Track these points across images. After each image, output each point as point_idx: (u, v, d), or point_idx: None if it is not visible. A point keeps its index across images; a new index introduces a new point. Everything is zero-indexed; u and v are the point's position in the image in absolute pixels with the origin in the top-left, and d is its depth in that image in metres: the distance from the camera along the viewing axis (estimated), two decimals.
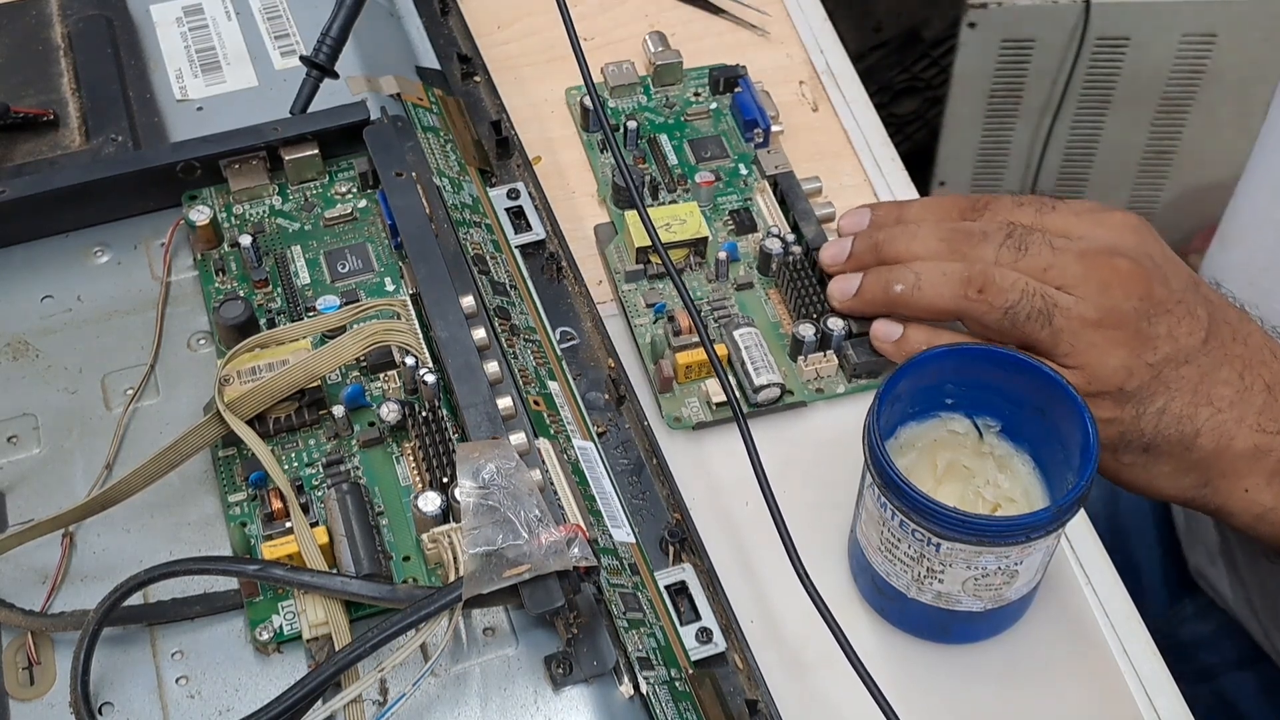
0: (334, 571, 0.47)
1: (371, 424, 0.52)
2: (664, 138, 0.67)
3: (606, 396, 0.58)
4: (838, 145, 0.70)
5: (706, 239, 0.62)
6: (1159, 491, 0.54)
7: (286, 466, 0.51)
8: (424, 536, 0.47)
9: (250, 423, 0.51)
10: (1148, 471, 0.53)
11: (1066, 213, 0.54)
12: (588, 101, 0.68)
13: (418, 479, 0.51)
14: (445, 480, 0.49)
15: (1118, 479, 0.54)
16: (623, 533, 0.51)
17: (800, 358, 0.59)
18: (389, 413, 0.52)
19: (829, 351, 0.59)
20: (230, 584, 0.48)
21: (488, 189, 0.63)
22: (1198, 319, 0.52)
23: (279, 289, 0.57)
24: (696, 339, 0.57)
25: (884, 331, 0.56)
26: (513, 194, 0.63)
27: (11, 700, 0.46)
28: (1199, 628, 0.75)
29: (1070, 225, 0.54)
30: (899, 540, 0.48)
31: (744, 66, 0.70)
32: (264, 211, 0.60)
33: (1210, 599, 0.74)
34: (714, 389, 0.58)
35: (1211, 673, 0.74)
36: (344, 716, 0.44)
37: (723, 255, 0.62)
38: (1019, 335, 0.53)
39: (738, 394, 0.57)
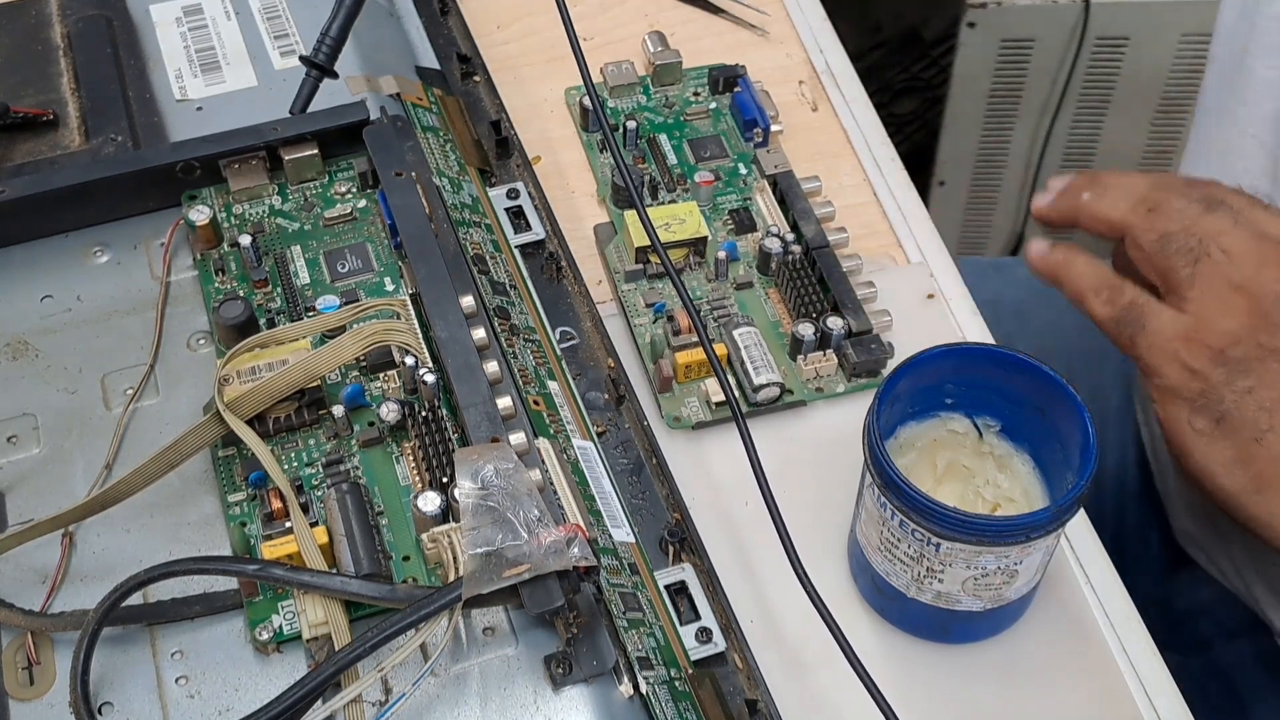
0: (334, 571, 0.47)
1: (371, 424, 0.52)
2: (663, 137, 0.68)
3: (606, 396, 0.58)
4: (837, 145, 0.70)
5: (706, 238, 0.62)
6: (1212, 477, 0.54)
7: (286, 466, 0.51)
8: (424, 536, 0.47)
9: (250, 422, 0.51)
10: (1211, 447, 0.53)
11: (1272, 212, 0.55)
12: (587, 101, 0.68)
13: (417, 479, 0.51)
14: (445, 480, 0.49)
15: (1181, 444, 0.54)
16: (622, 532, 0.51)
17: (800, 357, 0.59)
18: (389, 412, 0.52)
19: (828, 351, 0.59)
20: (230, 584, 0.48)
21: (487, 189, 0.63)
22: None
23: (279, 289, 0.57)
24: (696, 339, 0.57)
25: (1035, 247, 0.58)
26: (512, 194, 0.63)
27: (11, 700, 0.46)
28: (1194, 598, 0.75)
29: (1264, 220, 0.54)
30: (899, 540, 0.48)
31: (743, 66, 0.70)
32: (264, 211, 0.60)
33: (1202, 573, 0.75)
34: (713, 388, 0.58)
35: (1206, 643, 0.74)
36: (344, 716, 0.44)
37: (722, 255, 0.62)
38: (1163, 265, 0.53)
39: (737, 393, 0.57)
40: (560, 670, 0.46)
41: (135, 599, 0.46)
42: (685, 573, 0.51)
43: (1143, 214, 0.54)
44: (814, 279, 0.60)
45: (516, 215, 0.63)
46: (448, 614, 0.44)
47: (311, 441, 0.52)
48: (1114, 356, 0.82)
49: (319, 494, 0.50)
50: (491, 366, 0.51)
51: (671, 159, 0.66)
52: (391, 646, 0.44)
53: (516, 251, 0.61)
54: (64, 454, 0.52)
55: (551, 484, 0.49)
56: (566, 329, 0.60)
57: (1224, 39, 0.71)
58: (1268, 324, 0.52)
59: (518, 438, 0.49)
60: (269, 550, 0.47)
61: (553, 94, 0.71)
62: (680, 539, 0.52)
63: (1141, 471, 0.79)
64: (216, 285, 0.57)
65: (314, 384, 0.52)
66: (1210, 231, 0.53)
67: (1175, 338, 0.52)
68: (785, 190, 0.64)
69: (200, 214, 0.58)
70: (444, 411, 0.52)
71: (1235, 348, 0.52)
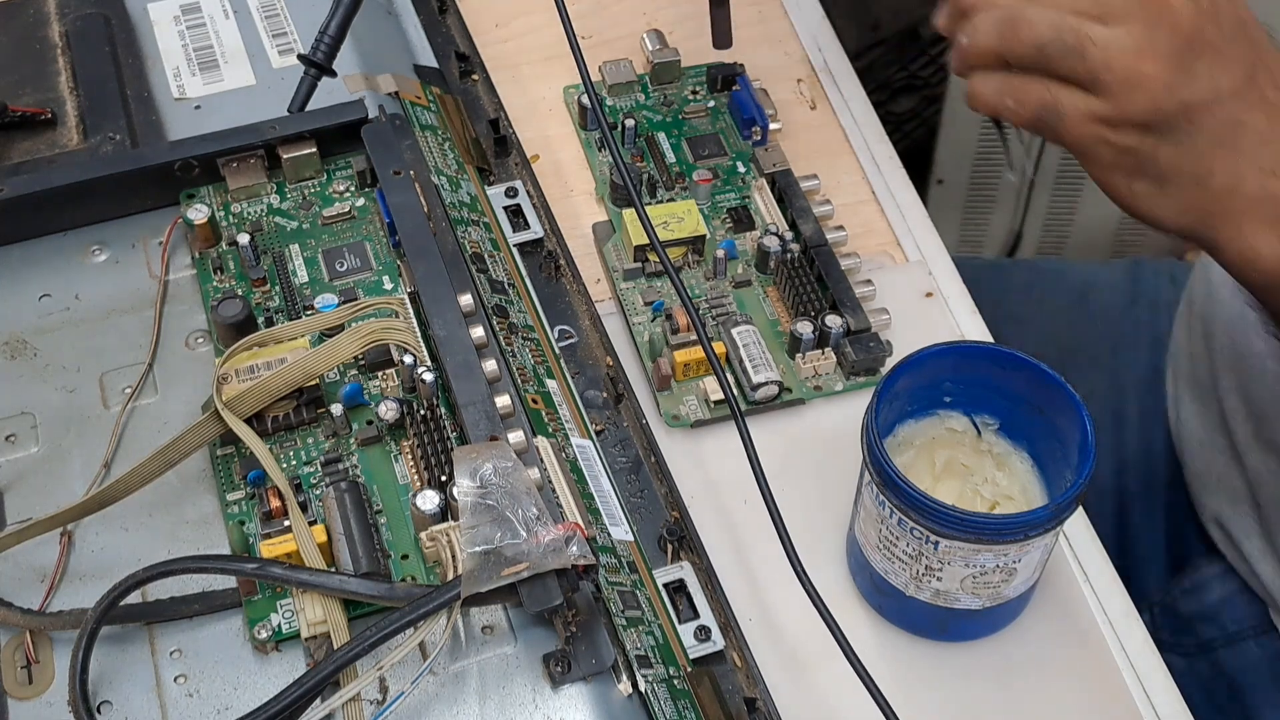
0: (332, 570, 0.47)
1: (370, 422, 0.52)
2: (662, 136, 0.67)
3: (604, 395, 0.58)
4: (835, 143, 0.70)
5: (704, 237, 0.62)
6: (1162, 223, 0.54)
7: (285, 465, 0.51)
8: (422, 535, 0.47)
9: (248, 421, 0.51)
10: (1154, 203, 0.53)
11: None
12: (586, 100, 0.68)
13: (416, 477, 0.51)
14: (443, 479, 0.49)
15: (1127, 205, 0.54)
16: (621, 531, 0.51)
17: (798, 355, 0.59)
18: (387, 411, 0.52)
19: (827, 349, 0.59)
20: (229, 582, 0.48)
21: (486, 187, 0.63)
22: (1239, 62, 0.51)
23: (277, 287, 0.57)
24: (694, 337, 0.57)
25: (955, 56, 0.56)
26: (511, 192, 0.63)
27: (10, 699, 0.46)
28: (1198, 601, 0.75)
29: None
30: (897, 538, 0.48)
31: (742, 65, 0.70)
32: (262, 210, 0.60)
33: (1208, 576, 0.75)
34: (712, 387, 0.58)
35: (1209, 646, 0.74)
36: (342, 715, 0.44)
37: (721, 253, 0.62)
38: (1057, 73, 0.52)
39: (736, 392, 0.57)
40: (559, 669, 0.46)
41: (134, 598, 0.46)
42: (684, 571, 0.51)
43: (1009, 36, 0.52)
44: (812, 277, 0.60)
45: (515, 214, 0.63)
46: (446, 612, 0.44)
47: (310, 440, 0.52)
48: (1108, 356, 0.82)
49: (317, 493, 0.50)
50: (490, 365, 0.51)
51: (670, 157, 0.66)
52: (390, 645, 0.44)
53: (515, 250, 0.61)
54: (62, 453, 0.52)
55: (550, 482, 0.49)
56: (565, 327, 0.60)
57: None
58: (1180, 78, 0.50)
59: (516, 436, 0.49)
60: (267, 549, 0.47)
61: (551, 92, 0.71)
62: (679, 537, 0.52)
63: (1145, 476, 0.79)
64: (215, 284, 0.57)
65: (312, 382, 0.52)
66: (1087, 6, 0.51)
67: (1093, 120, 0.51)
68: (784, 188, 0.64)
69: (198, 213, 0.58)
70: (442, 410, 0.52)
71: (1156, 114, 0.51)
